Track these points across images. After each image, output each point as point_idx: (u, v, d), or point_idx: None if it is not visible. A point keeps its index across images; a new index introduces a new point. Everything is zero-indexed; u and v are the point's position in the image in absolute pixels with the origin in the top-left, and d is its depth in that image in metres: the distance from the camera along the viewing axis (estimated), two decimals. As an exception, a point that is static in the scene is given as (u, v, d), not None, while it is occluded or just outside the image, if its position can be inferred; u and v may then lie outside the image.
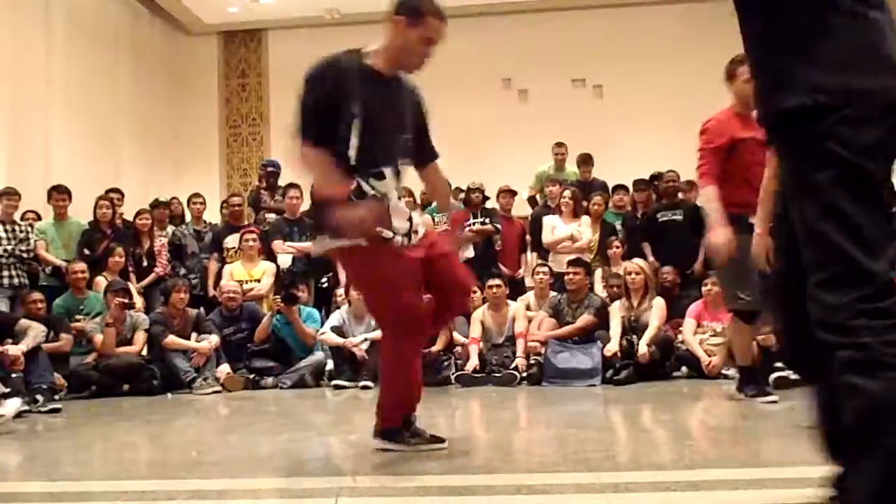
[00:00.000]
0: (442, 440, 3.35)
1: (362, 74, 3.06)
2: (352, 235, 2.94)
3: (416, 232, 3.20)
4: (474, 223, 8.19)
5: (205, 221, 8.67)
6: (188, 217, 8.84)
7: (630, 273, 6.81)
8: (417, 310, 3.17)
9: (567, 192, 7.90)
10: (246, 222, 8.47)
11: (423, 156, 3.35)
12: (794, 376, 5.48)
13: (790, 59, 1.84)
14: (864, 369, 1.67)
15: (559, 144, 9.18)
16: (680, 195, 8.04)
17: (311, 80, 3.09)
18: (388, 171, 3.10)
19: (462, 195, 8.65)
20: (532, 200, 9.36)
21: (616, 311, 6.71)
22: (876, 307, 1.68)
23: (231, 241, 8.05)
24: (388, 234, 3.05)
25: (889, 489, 1.65)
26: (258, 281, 7.66)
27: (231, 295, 7.24)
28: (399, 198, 3.18)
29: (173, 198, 9.12)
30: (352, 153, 3.00)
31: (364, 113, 3.00)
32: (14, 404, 4.70)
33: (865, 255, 1.70)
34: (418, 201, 8.46)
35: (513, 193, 8.78)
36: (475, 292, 7.13)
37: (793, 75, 1.83)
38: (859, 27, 1.80)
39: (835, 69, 1.79)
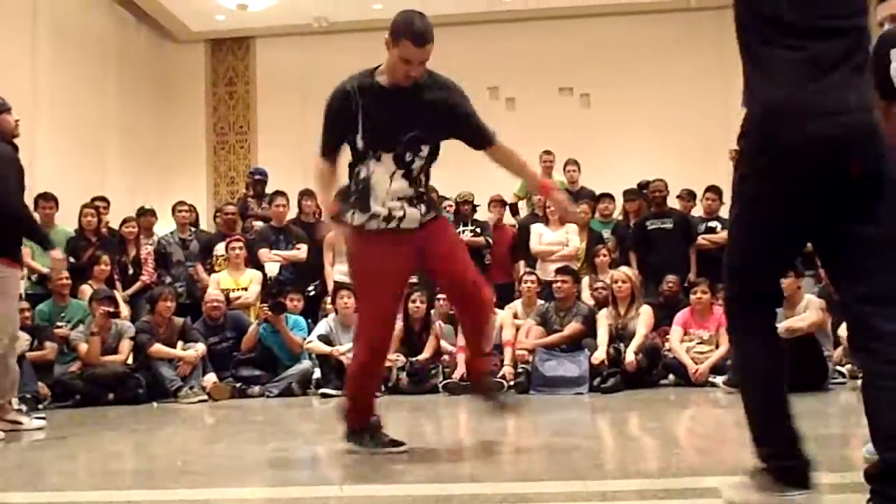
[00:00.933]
0: (401, 444, 3.52)
1: (368, 91, 3.45)
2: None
3: (397, 219, 3.43)
4: (465, 231, 8.21)
5: (190, 229, 8.63)
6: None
7: (617, 281, 6.84)
8: (383, 310, 3.47)
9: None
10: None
11: (477, 141, 3.56)
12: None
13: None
14: None
15: (547, 152, 9.21)
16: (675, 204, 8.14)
17: (326, 108, 3.57)
18: (386, 156, 3.42)
19: (451, 206, 8.68)
20: (514, 208, 9.39)
21: (603, 320, 6.73)
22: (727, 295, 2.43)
23: (220, 248, 8.03)
24: (350, 218, 3.47)
25: None
26: (245, 289, 7.64)
27: (214, 304, 7.21)
28: (393, 183, 3.44)
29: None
30: (359, 143, 3.44)
31: (368, 121, 3.42)
32: (38, 423, 4.89)
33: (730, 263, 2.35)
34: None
35: (504, 204, 8.83)
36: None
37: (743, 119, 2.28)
38: (768, 83, 2.19)
39: (751, 121, 2.22)
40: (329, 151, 3.54)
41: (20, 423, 4.79)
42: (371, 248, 3.45)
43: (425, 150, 3.49)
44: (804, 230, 2.25)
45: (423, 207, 3.49)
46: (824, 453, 3.18)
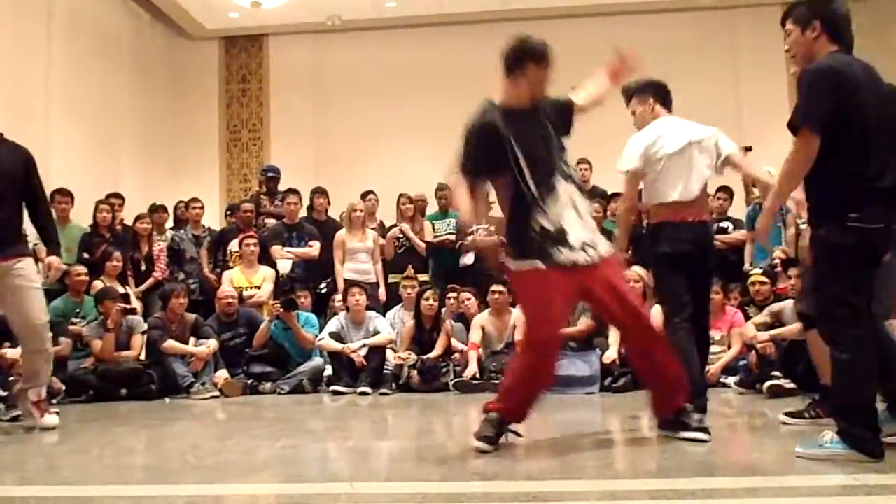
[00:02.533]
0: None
1: (508, 118, 3.54)
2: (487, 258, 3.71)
3: (592, 247, 3.50)
4: (478, 229, 8.18)
5: (203, 226, 8.68)
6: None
7: (628, 281, 6.81)
8: (551, 339, 3.61)
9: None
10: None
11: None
12: (789, 385, 5.49)
13: None
14: None
15: (560, 150, 9.19)
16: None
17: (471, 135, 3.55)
18: (559, 188, 3.52)
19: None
20: None
21: (614, 322, 6.71)
22: None
23: (235, 245, 8.07)
24: (560, 256, 3.42)
25: None
26: (258, 287, 7.66)
27: (228, 300, 7.24)
28: (577, 209, 3.54)
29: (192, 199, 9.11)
30: (528, 180, 3.47)
31: (522, 149, 3.48)
32: (51, 420, 4.77)
33: None
34: (416, 208, 8.47)
35: None
36: (469, 298, 7.15)
37: None
38: None
39: None
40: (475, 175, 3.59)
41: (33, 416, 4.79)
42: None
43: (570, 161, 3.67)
44: None
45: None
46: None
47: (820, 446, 3.04)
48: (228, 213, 9.46)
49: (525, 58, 3.47)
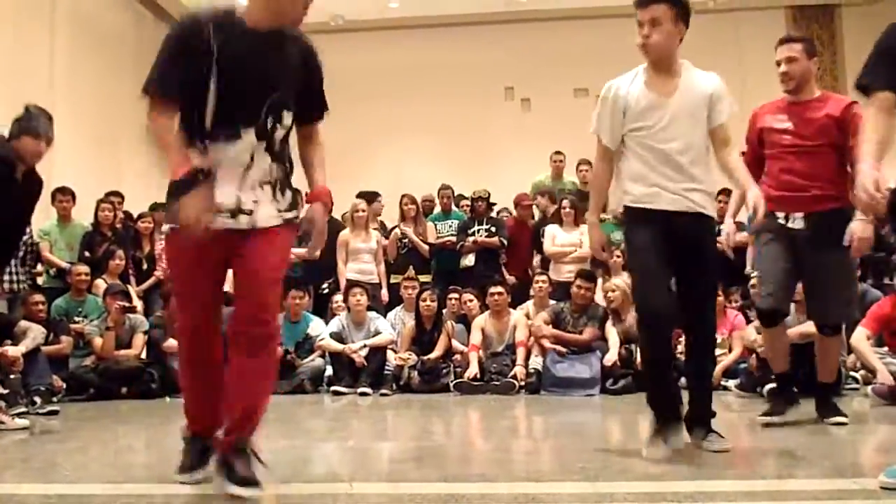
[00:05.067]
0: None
1: (225, 27, 2.73)
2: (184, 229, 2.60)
3: (246, 213, 2.80)
4: (479, 230, 8.19)
5: None
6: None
7: (607, 292, 6.84)
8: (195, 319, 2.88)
9: (566, 202, 7.92)
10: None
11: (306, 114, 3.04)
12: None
13: None
14: None
15: (558, 152, 9.22)
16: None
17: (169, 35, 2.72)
18: (245, 132, 2.81)
19: (467, 203, 8.69)
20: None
21: (611, 327, 6.71)
22: None
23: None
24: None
25: None
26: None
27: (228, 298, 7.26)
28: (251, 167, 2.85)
29: None
30: (208, 115, 2.72)
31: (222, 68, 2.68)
32: (21, 423, 4.68)
33: None
34: (420, 208, 8.49)
35: (529, 207, 8.81)
36: (471, 300, 7.14)
37: None
38: None
39: None
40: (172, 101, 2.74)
41: (2, 422, 4.63)
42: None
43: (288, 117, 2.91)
44: None
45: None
46: (836, 458, 3.17)
47: None
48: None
49: None
